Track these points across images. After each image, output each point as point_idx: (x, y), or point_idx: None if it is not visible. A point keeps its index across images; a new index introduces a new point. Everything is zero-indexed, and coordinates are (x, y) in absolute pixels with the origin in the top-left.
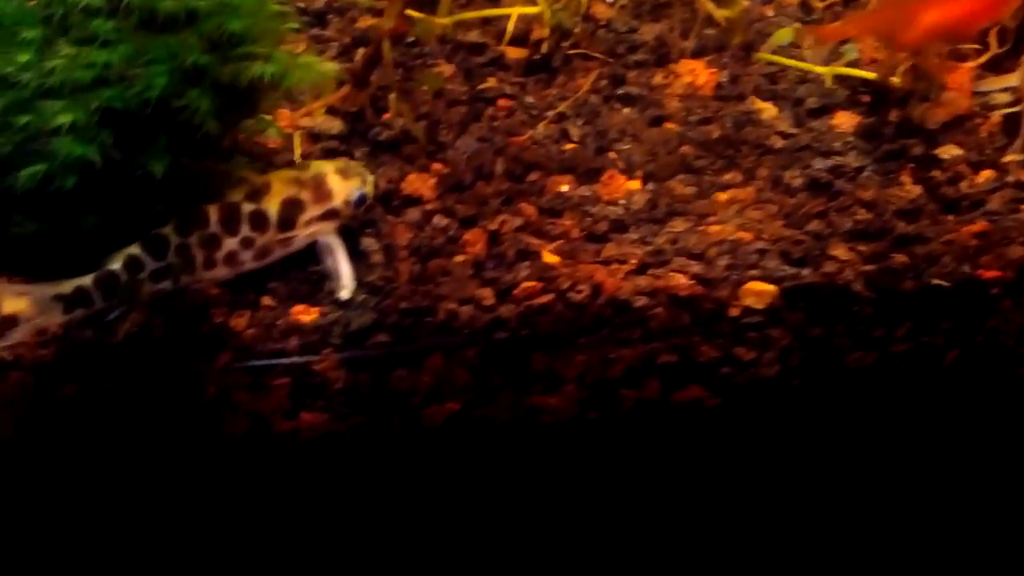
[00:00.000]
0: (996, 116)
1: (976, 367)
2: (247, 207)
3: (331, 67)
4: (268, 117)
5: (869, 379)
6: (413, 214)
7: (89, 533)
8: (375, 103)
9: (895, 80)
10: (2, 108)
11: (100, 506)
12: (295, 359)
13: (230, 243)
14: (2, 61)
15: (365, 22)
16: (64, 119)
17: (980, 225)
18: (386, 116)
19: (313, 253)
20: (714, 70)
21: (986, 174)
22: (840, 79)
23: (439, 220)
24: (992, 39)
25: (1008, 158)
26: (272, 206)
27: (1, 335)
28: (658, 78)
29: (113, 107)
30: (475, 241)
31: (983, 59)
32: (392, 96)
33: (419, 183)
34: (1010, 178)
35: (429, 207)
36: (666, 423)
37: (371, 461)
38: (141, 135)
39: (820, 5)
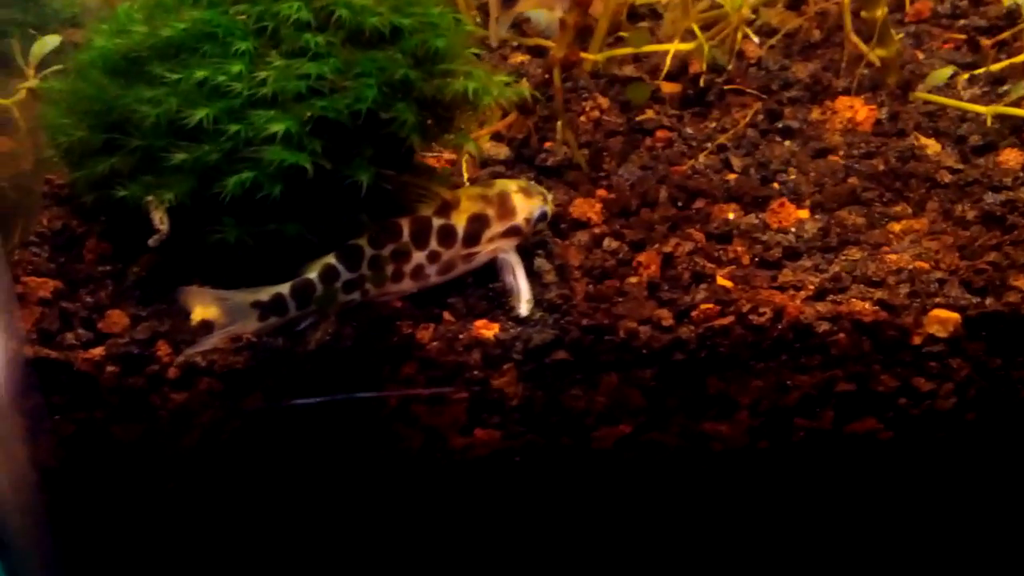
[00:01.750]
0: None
1: None
2: (437, 221)
3: (525, 87)
4: (466, 132)
5: None
6: (582, 237)
7: (268, 542)
8: (539, 131)
9: None
10: (213, 116)
11: (280, 516)
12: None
13: (418, 256)
14: (214, 71)
15: (516, 58)
16: (276, 127)
17: None
18: (549, 144)
19: (490, 270)
20: (872, 107)
21: None
22: (1002, 118)
23: (609, 243)
24: None
25: None
26: (460, 221)
27: (194, 341)
28: (815, 114)
29: (324, 117)
30: (648, 263)
31: None
32: (559, 124)
33: (586, 207)
34: None
35: (597, 231)
36: (837, 455)
37: (540, 481)
38: (349, 146)
39: (986, 43)
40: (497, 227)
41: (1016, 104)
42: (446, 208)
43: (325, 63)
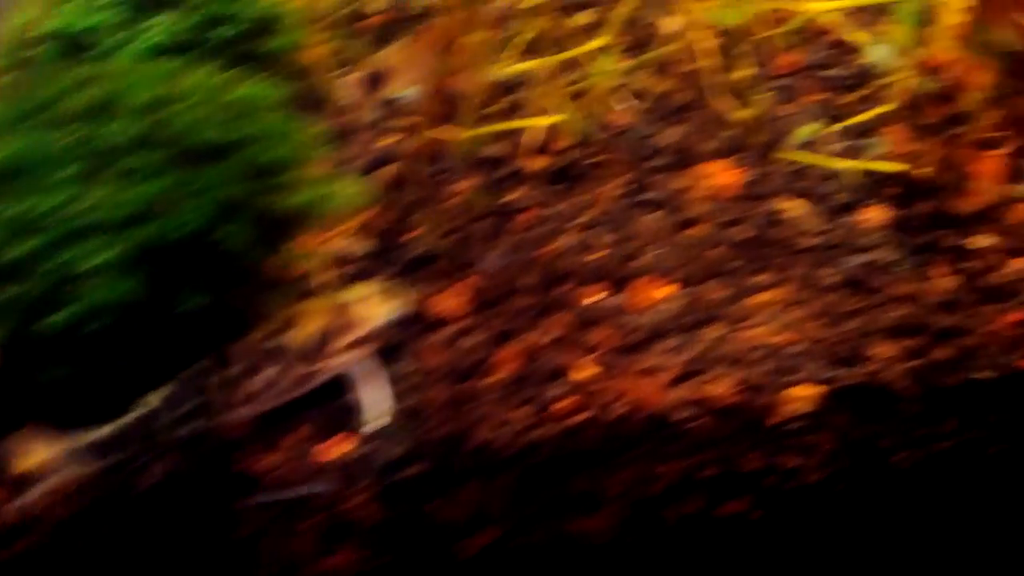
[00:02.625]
0: None
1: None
2: (278, 339)
3: (363, 188)
4: (302, 245)
5: (915, 478)
6: (444, 334)
7: None
8: (401, 222)
9: (924, 171)
10: (31, 252)
11: None
12: (324, 493)
13: (261, 378)
14: (37, 200)
15: (387, 139)
16: (101, 257)
17: (1020, 315)
18: (413, 235)
19: (345, 381)
20: (738, 170)
21: (1022, 261)
22: (867, 173)
23: (470, 339)
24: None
25: None
26: (302, 337)
27: (21, 492)
28: (682, 181)
29: (152, 242)
30: (510, 359)
31: (1015, 146)
32: (419, 214)
33: (448, 301)
34: None
35: (460, 325)
36: (709, 538)
37: None
38: (180, 270)
39: (851, 96)
40: (346, 337)
41: (880, 158)
42: (289, 323)
43: (155, 184)
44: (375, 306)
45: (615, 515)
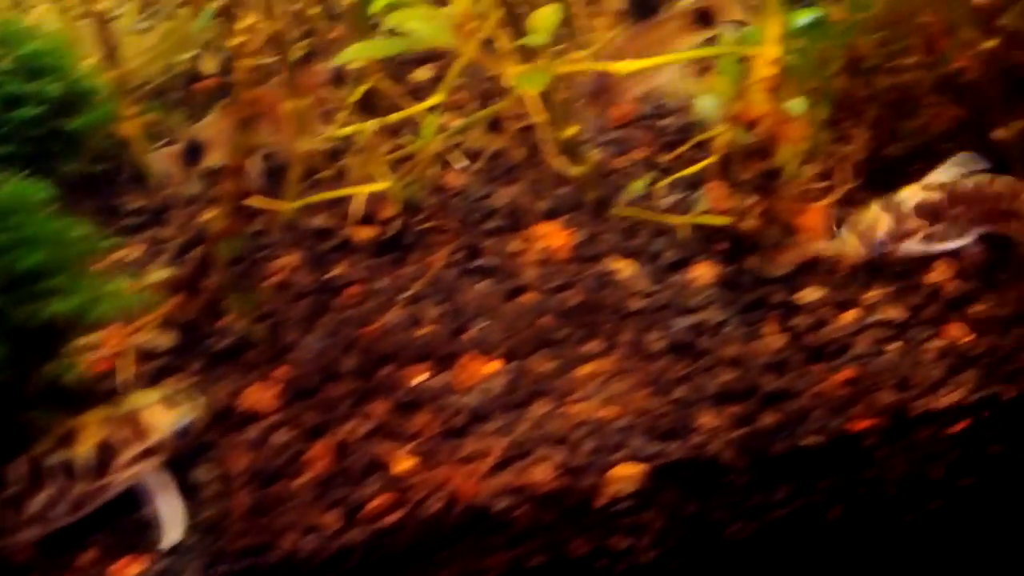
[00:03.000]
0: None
1: (862, 520)
2: (55, 457)
3: (158, 275)
4: (72, 357)
5: (754, 549)
6: (253, 432)
7: None
8: (212, 309)
9: (749, 224)
10: None
11: None
12: None
13: (40, 499)
14: None
15: (204, 216)
16: None
17: (847, 372)
18: (223, 322)
19: (138, 494)
20: (571, 230)
21: (850, 315)
22: (696, 227)
23: (281, 435)
24: (844, 174)
25: (870, 296)
26: (84, 453)
27: None
28: (514, 244)
29: None
30: (321, 455)
31: (835, 195)
32: (228, 301)
33: (260, 394)
34: (873, 317)
35: (271, 420)
36: None
37: None
38: None
39: (671, 153)
40: (132, 450)
41: (707, 212)
42: (67, 439)
43: None
44: (167, 411)
45: None
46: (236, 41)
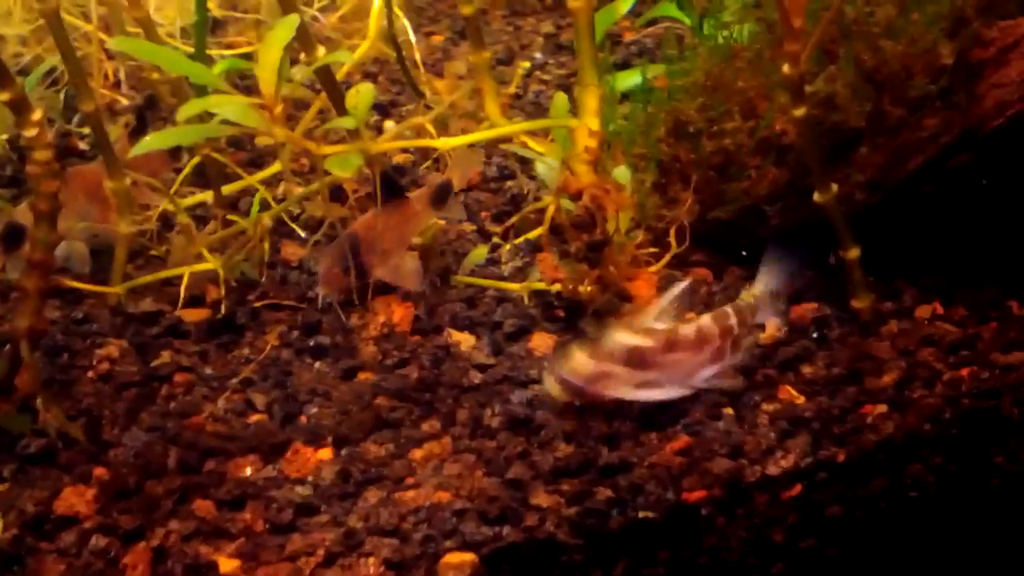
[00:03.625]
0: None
1: None
2: None
3: None
4: None
5: None
6: (67, 538)
7: None
8: (25, 407)
9: (584, 289)
10: None
11: None
12: None
13: None
14: None
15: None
16: None
17: (682, 441)
18: (38, 421)
19: None
20: (410, 303)
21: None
22: (536, 294)
23: (97, 541)
24: (672, 238)
25: None
26: None
27: None
28: (353, 319)
29: None
30: (136, 563)
31: (664, 260)
32: (40, 401)
33: (76, 498)
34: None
35: (87, 525)
36: None
37: None
38: None
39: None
40: None
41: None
42: None
43: None
44: None
45: None
46: (30, 133)
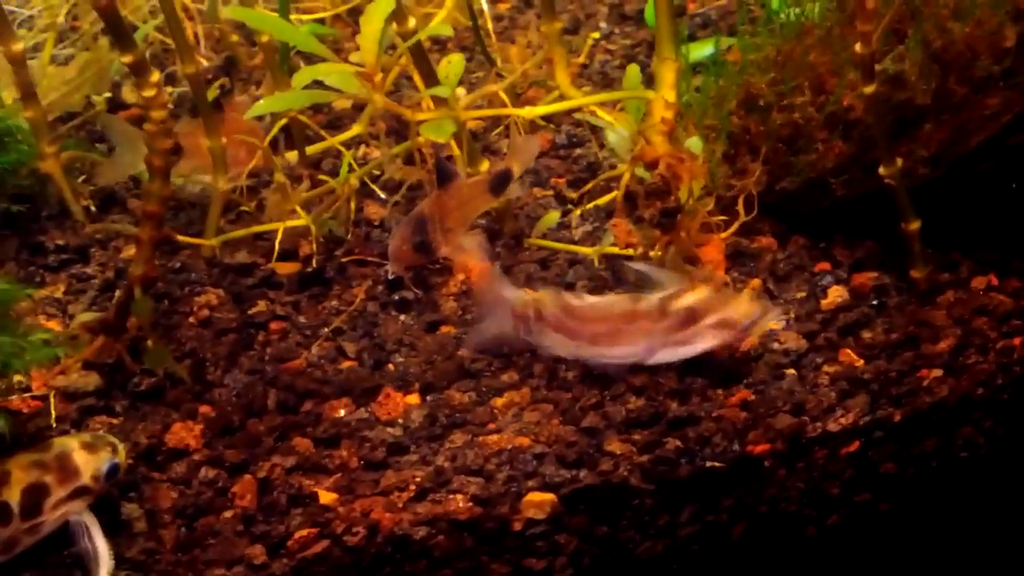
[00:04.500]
0: (755, 282)
1: (764, 536)
2: None
3: (82, 318)
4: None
5: (664, 566)
6: (179, 469)
7: None
8: (134, 348)
9: (655, 254)
10: None
11: None
12: None
13: None
14: None
15: (129, 251)
16: None
17: (746, 397)
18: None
19: (72, 532)
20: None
21: (750, 342)
22: (607, 258)
23: (206, 472)
24: (740, 207)
25: (769, 324)
26: (13, 496)
27: None
28: (434, 276)
29: None
30: (244, 492)
31: (733, 228)
32: (150, 342)
33: (184, 432)
34: (774, 344)
35: (196, 458)
36: None
37: None
38: None
39: (584, 185)
40: (60, 492)
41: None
42: (4, 479)
43: None
44: (93, 452)
45: None
46: (149, 93)
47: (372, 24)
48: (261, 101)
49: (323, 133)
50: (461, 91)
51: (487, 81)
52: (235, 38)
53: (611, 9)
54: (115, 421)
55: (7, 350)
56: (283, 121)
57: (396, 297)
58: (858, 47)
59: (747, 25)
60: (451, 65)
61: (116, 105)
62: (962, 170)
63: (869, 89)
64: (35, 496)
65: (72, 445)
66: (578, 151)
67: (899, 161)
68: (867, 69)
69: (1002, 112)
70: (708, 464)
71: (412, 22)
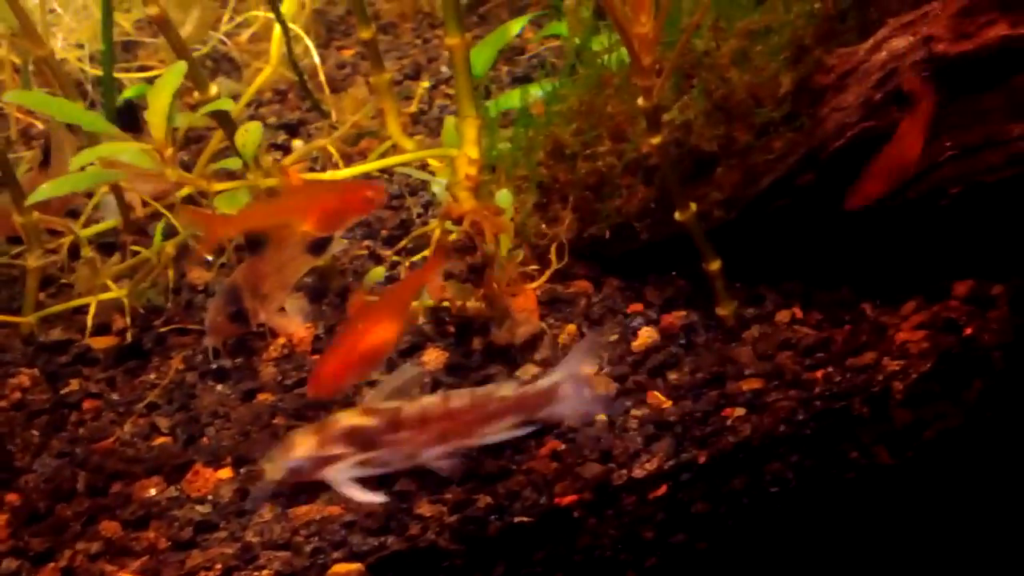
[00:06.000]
0: (570, 328)
1: None
2: None
3: None
4: None
5: None
6: None
7: None
8: None
9: (472, 306)
10: None
11: None
12: None
13: None
14: None
15: None
16: None
17: (555, 444)
18: None
19: None
20: (311, 323)
21: None
22: (430, 311)
23: (8, 564)
24: (553, 255)
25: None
26: None
27: None
28: (256, 341)
29: None
30: None
31: (545, 276)
32: None
33: None
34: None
35: (0, 548)
36: None
37: None
38: None
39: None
40: None
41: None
42: None
43: None
44: None
45: None
46: None
47: (159, 100)
48: (44, 186)
49: (146, 198)
50: (298, 142)
51: (320, 134)
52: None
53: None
54: None
55: None
56: (104, 189)
57: (214, 366)
58: (640, 101)
59: (547, 76)
60: (248, 134)
61: None
62: (756, 210)
63: (656, 140)
64: None
65: None
66: (410, 200)
67: (693, 206)
68: (652, 120)
69: (788, 154)
70: (516, 519)
71: (213, 89)
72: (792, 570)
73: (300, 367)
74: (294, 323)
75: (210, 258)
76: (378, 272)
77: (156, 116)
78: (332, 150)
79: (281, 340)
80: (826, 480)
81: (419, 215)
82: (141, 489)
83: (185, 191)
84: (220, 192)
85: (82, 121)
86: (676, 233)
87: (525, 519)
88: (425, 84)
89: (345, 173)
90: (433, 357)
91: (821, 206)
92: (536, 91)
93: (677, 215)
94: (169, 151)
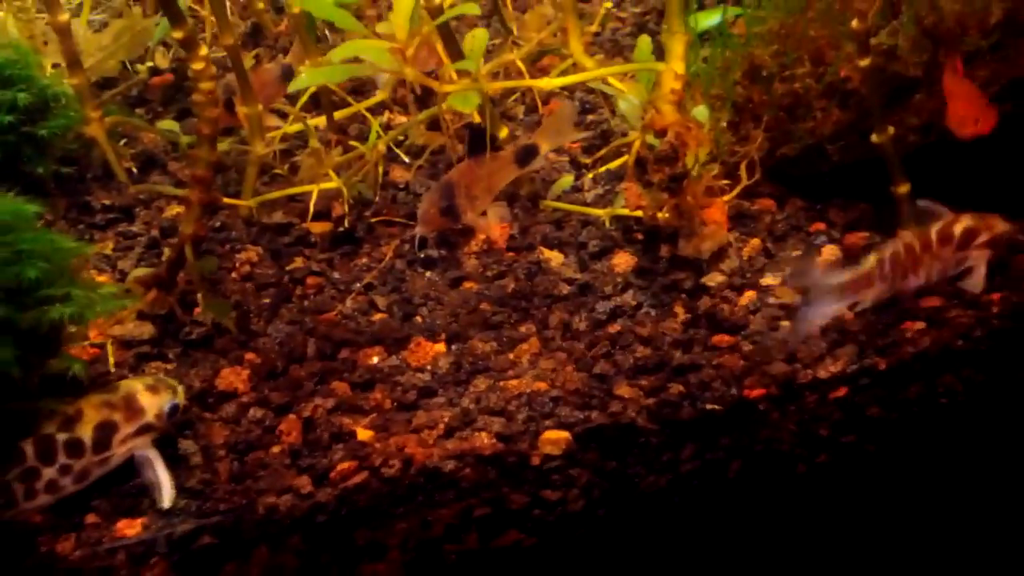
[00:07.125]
0: (755, 242)
1: (758, 473)
2: (62, 436)
3: (136, 273)
4: (72, 355)
5: (666, 499)
6: (229, 409)
7: None
8: (184, 301)
9: (662, 216)
10: None
11: None
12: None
13: (48, 473)
14: None
15: (172, 211)
16: None
17: (744, 347)
18: (196, 312)
19: (133, 466)
20: (506, 224)
21: (748, 296)
22: (617, 219)
23: (254, 412)
24: (743, 172)
25: (766, 280)
26: (86, 432)
27: None
28: (457, 237)
29: None
30: (290, 430)
31: (736, 191)
32: (200, 295)
33: (233, 376)
34: (770, 299)
35: (244, 399)
36: (491, 568)
37: None
38: None
39: (596, 150)
40: (127, 429)
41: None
42: (70, 422)
43: None
44: (154, 394)
45: (401, 558)
46: (196, 67)
47: (404, 2)
48: (302, 74)
49: (350, 100)
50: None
51: (504, 50)
52: (261, 5)
53: None
54: (169, 367)
55: (82, 302)
56: (312, 88)
57: (422, 255)
58: (854, 23)
59: None
60: (475, 39)
61: (149, 72)
62: (953, 136)
63: (864, 62)
64: (105, 432)
65: (137, 387)
66: (591, 117)
67: (890, 128)
68: (863, 43)
69: (990, 83)
70: (708, 407)
71: None
72: (951, 481)
73: (499, 261)
74: (495, 226)
75: (408, 159)
76: (566, 180)
77: (400, 17)
78: (520, 64)
79: (482, 238)
80: (995, 396)
81: (604, 132)
82: (365, 357)
83: None
84: (451, 93)
85: (324, 13)
86: (865, 157)
87: (716, 407)
88: (608, 5)
89: (550, 83)
90: (623, 260)
91: (1018, 135)
92: (736, 11)
93: (874, 137)
94: (410, 51)
